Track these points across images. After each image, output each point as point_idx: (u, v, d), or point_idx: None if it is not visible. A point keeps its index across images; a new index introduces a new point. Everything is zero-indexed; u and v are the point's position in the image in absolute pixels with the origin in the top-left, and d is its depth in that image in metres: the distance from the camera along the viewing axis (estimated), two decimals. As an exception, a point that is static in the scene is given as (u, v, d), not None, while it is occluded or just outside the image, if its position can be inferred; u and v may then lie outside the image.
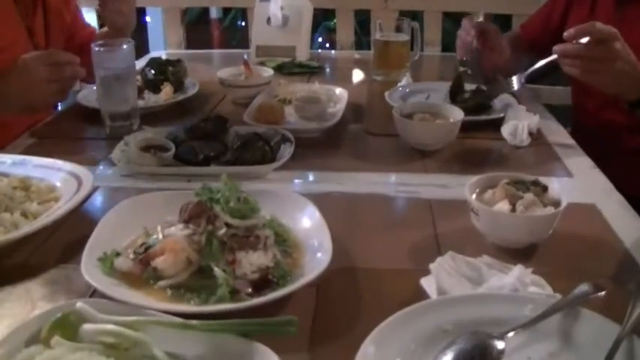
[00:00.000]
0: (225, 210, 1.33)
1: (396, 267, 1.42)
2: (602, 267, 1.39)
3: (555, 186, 1.49)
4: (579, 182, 1.83)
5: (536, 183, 1.48)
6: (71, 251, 1.44)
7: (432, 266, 1.29)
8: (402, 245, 1.49)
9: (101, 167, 1.94)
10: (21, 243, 1.47)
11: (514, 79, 2.30)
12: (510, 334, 1.09)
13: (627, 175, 1.92)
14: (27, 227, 1.48)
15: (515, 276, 1.24)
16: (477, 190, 1.49)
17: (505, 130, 2.10)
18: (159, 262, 1.29)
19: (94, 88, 2.30)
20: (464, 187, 1.49)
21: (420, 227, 1.56)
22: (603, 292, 1.19)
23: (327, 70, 3.16)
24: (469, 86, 2.39)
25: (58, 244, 1.50)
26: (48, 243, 1.51)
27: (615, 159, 2.08)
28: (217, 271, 1.25)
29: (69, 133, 2.32)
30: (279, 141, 1.92)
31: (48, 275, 1.39)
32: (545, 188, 1.47)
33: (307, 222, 1.48)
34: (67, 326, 1.10)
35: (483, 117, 2.24)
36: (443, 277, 1.26)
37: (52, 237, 1.53)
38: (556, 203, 1.44)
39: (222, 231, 1.31)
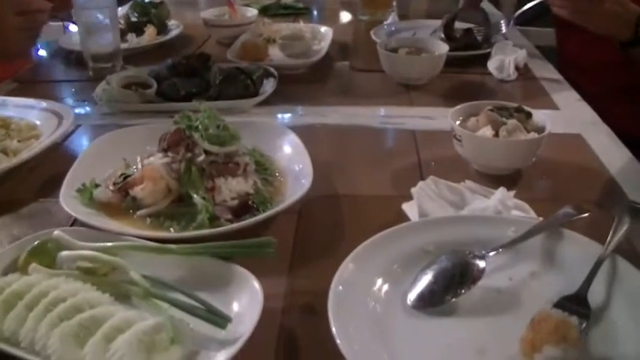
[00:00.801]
0: (203, 137, 1.32)
1: (378, 193, 1.41)
2: (587, 193, 1.38)
3: (539, 113, 1.48)
4: (566, 114, 1.81)
5: (519, 109, 1.47)
6: (52, 186, 1.41)
7: (413, 190, 1.28)
8: (385, 173, 1.48)
9: (83, 107, 1.91)
10: (1, 180, 1.46)
11: (502, 22, 2.29)
12: (492, 253, 1.08)
13: (616, 111, 1.90)
14: (7, 163, 1.46)
15: (497, 199, 1.23)
16: (461, 118, 1.48)
17: (491, 65, 2.09)
18: (137, 191, 1.27)
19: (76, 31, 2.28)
20: (448, 118, 1.47)
21: (403, 156, 1.55)
22: (587, 214, 1.18)
23: (314, 12, 3.13)
24: (460, 25, 2.36)
25: (39, 180, 1.49)
26: (29, 179, 1.49)
27: (603, 96, 2.05)
28: (196, 198, 1.24)
29: (51, 76, 2.31)
30: (261, 75, 1.90)
31: (27, 209, 1.38)
32: (529, 115, 1.46)
33: (288, 150, 1.47)
34: (44, 254, 1.09)
35: (470, 52, 2.22)
36: (424, 200, 1.25)
37: (32, 173, 1.51)
38: (540, 129, 1.42)
39: (201, 158, 1.30)
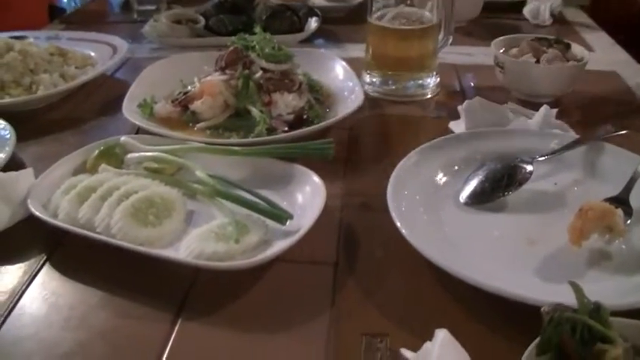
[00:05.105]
0: (260, 56, 1.37)
1: (425, 114, 1.48)
2: (624, 121, 1.41)
3: (578, 45, 1.53)
4: (600, 55, 1.85)
5: (559, 41, 1.52)
6: (109, 108, 1.49)
7: (460, 108, 1.34)
8: (430, 99, 1.55)
9: (131, 44, 1.94)
10: (61, 101, 1.54)
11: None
12: (540, 158, 1.14)
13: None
14: (66, 85, 1.53)
15: (541, 116, 1.29)
16: (503, 49, 1.53)
17: (527, 11, 2.14)
18: (197, 105, 1.33)
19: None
20: (487, 55, 1.55)
21: (446, 85, 1.61)
22: (625, 132, 1.23)
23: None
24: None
25: (96, 103, 1.56)
26: (87, 102, 1.56)
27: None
28: (254, 110, 1.30)
29: (98, 18, 2.36)
30: (306, 13, 1.96)
31: (89, 125, 1.45)
32: (568, 46, 1.51)
33: (337, 75, 1.53)
34: (112, 156, 1.16)
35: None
36: (471, 117, 1.31)
37: (90, 97, 1.59)
38: (578, 60, 1.47)
39: (259, 74, 1.36)
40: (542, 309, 0.65)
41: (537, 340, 0.65)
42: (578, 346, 0.63)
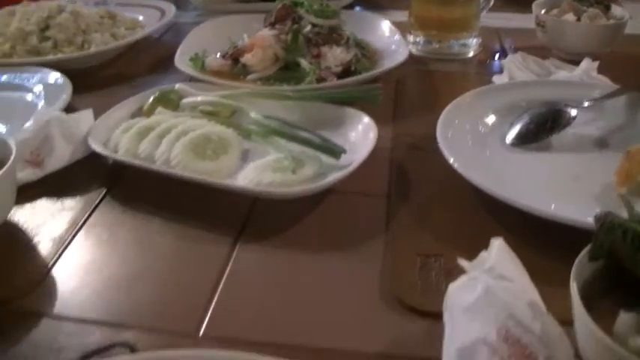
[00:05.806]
0: (309, 11, 1.41)
1: (468, 70, 1.52)
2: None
3: (617, 6, 1.55)
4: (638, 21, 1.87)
5: (599, 1, 1.55)
6: (159, 66, 1.55)
7: (504, 61, 1.38)
8: (473, 58, 1.58)
9: (177, 11, 1.97)
10: (112, 60, 1.60)
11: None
12: (585, 103, 1.17)
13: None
14: (117, 42, 1.58)
15: (582, 69, 1.32)
16: (544, 10, 1.56)
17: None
18: (248, 58, 1.37)
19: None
20: (527, 20, 1.59)
21: (488, 46, 1.64)
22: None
23: None
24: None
25: (147, 61, 1.60)
26: (137, 61, 1.61)
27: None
28: (304, 62, 1.34)
29: None
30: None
31: (140, 81, 1.49)
32: (608, 6, 1.54)
33: (383, 33, 1.57)
34: (168, 101, 1.20)
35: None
36: (514, 70, 1.34)
37: (140, 56, 1.63)
38: (618, 19, 1.50)
39: (308, 28, 1.40)
40: (594, 215, 0.68)
41: (589, 246, 0.68)
42: (630, 251, 0.65)
